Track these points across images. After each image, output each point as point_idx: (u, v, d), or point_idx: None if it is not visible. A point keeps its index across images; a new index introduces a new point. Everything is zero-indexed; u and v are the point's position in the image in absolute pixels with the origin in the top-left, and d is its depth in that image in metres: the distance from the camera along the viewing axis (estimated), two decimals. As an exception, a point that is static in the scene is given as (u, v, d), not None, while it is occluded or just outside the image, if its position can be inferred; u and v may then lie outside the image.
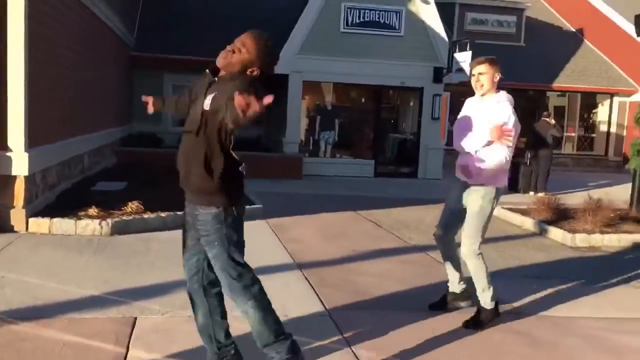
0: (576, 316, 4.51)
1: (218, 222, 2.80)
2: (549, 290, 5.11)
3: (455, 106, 16.21)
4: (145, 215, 6.62)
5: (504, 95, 4.11)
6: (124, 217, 6.47)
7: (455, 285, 4.36)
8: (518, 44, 19.11)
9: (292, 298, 4.50)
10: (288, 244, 6.30)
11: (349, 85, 14.78)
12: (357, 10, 13.74)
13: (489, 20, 18.94)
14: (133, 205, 6.78)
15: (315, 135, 14.79)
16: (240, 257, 2.86)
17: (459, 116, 4.31)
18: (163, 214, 6.70)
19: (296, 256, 5.79)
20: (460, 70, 13.76)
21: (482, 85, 4.08)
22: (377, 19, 13.87)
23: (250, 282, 2.87)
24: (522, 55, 18.39)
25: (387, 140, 15.36)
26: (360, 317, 4.16)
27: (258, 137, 15.21)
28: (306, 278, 5.05)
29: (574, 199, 9.42)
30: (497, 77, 4.08)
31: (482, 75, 4.06)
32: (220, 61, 2.83)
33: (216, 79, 2.88)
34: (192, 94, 3.02)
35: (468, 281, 4.29)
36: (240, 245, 2.90)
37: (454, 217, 4.24)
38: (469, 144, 4.07)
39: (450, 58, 14.04)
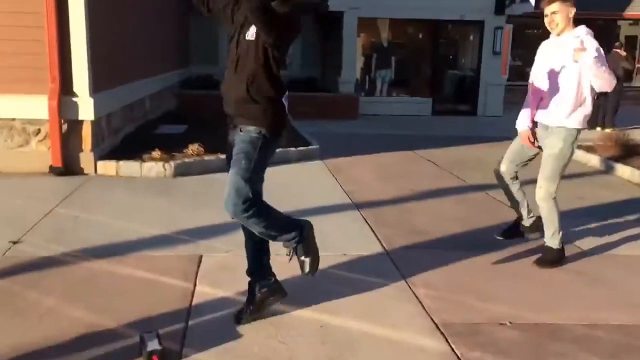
0: (642, 256, 4.40)
1: (252, 145, 2.83)
2: (615, 230, 4.98)
3: (518, 40, 15.49)
4: (206, 157, 6.79)
5: (583, 29, 3.86)
6: (186, 160, 6.66)
7: (524, 219, 4.26)
8: (589, -31, 17.88)
9: (350, 238, 4.57)
10: (346, 185, 6.34)
11: (406, 20, 14.33)
12: (415, -60, 13.14)
13: (556, -56, 17.72)
14: (194, 148, 6.95)
15: (372, 73, 14.55)
16: (255, 185, 2.83)
17: (536, 61, 4.10)
18: (222, 156, 6.80)
19: (354, 196, 5.83)
20: (524, 0, 13.07)
21: (557, 25, 3.87)
22: (435, -51, 13.25)
23: (251, 211, 2.83)
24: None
25: (446, 77, 14.95)
26: (419, 257, 4.19)
27: (314, 78, 15.11)
28: (364, 218, 5.10)
29: (644, 135, 8.99)
30: (572, 12, 3.84)
31: (556, 14, 3.84)
32: None
33: None
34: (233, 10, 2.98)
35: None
36: (261, 175, 2.91)
37: (522, 156, 4.14)
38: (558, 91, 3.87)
39: (514, -12, 13.34)
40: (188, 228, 4.64)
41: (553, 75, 3.91)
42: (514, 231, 4.34)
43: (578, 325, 3.22)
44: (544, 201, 4.00)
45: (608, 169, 7.60)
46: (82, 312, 3.16)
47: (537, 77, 4.06)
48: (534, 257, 4.15)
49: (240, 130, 2.88)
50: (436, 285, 3.69)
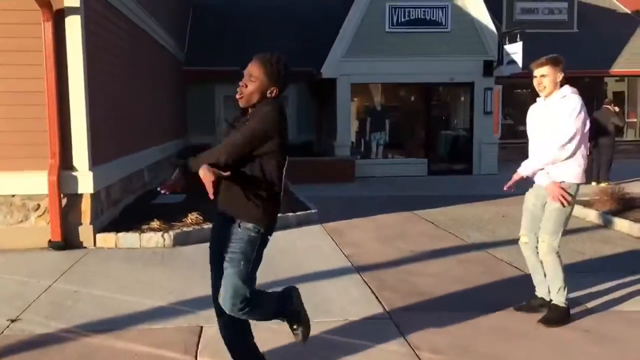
0: (649, 311, 4.35)
1: (251, 245, 2.84)
2: (618, 285, 4.94)
3: (508, 99, 15.83)
4: (205, 226, 6.78)
5: (567, 88, 4.01)
6: (185, 229, 6.66)
7: (543, 291, 4.25)
8: (571, 30, 18.51)
9: (352, 302, 4.52)
10: (345, 248, 6.33)
11: (397, 84, 14.70)
12: (402, 9, 13.67)
13: (538, 8, 18.41)
14: (192, 217, 6.97)
15: (367, 136, 14.78)
16: (252, 285, 2.85)
17: (527, 123, 4.25)
18: (222, 224, 6.85)
19: (354, 260, 5.81)
20: (512, 62, 13.46)
21: (545, 88, 4.01)
22: (422, 16, 13.76)
23: (247, 309, 2.85)
24: (575, 41, 17.79)
25: (439, 138, 15.18)
26: (422, 319, 4.14)
27: (310, 143, 15.34)
28: (365, 281, 5.07)
29: (638, 187, 9.06)
30: (560, 77, 4.00)
31: (545, 77, 3.99)
32: (241, 103, 2.86)
33: (250, 110, 2.88)
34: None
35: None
36: (257, 268, 2.91)
37: (536, 221, 4.17)
38: (542, 158, 3.98)
39: (501, 50, 13.76)
40: (188, 298, 4.59)
41: (543, 136, 4.01)
42: (531, 306, 4.30)
43: (588, 385, 3.15)
44: (548, 255, 4.02)
45: (606, 223, 7.61)
46: (81, 390, 3.09)
47: (531, 139, 4.18)
48: (539, 315, 4.10)
49: (239, 226, 2.86)
50: (441, 348, 3.63)
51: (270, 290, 3.09)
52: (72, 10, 6.08)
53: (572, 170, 3.98)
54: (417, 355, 3.53)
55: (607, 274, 5.26)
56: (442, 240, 6.83)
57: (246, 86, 2.82)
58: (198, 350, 3.60)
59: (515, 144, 16.92)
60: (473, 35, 13.86)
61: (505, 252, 6.05)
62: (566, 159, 3.93)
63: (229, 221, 2.90)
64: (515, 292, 4.73)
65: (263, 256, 2.98)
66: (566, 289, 4.04)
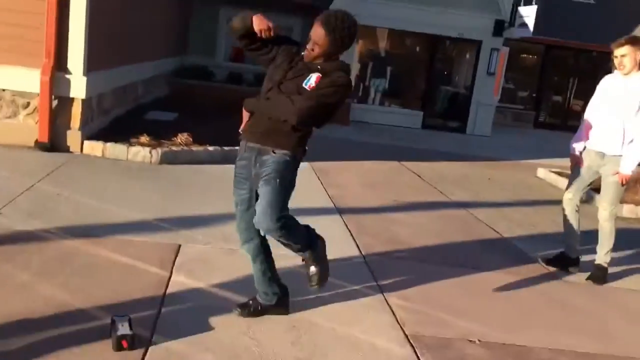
0: (615, 287, 4.48)
1: (285, 166, 2.92)
2: (590, 258, 5.05)
3: (513, 63, 15.65)
4: (194, 148, 6.77)
5: None
6: (174, 148, 6.64)
7: (573, 251, 4.62)
8: (590, 0, 18.13)
9: (330, 242, 4.56)
10: (330, 189, 6.37)
11: (405, 32, 14.40)
12: (421, -46, 13.24)
13: (559, -27, 17.94)
14: (182, 137, 6.93)
15: (366, 81, 14.61)
16: (286, 204, 2.93)
17: (599, 93, 4.48)
18: (211, 148, 6.84)
19: (337, 201, 5.86)
20: (523, 25, 13.21)
21: (625, 67, 4.22)
22: (440, -36, 13.36)
23: (286, 225, 2.90)
24: (594, 12, 17.42)
25: (439, 92, 15.05)
26: (396, 267, 4.23)
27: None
28: (345, 224, 5.13)
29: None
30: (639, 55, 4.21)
31: (625, 57, 4.20)
32: (306, 59, 3.03)
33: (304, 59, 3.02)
34: (276, 55, 3.13)
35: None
36: (290, 192, 2.99)
37: (585, 184, 4.54)
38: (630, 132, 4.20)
39: (514, 11, 13.48)
40: (169, 216, 4.63)
41: (615, 110, 4.27)
42: (559, 261, 4.66)
43: (545, 349, 3.28)
44: (608, 222, 4.41)
45: (588, 199, 7.66)
46: (56, 290, 3.15)
47: (598, 107, 4.44)
48: (508, 277, 4.21)
49: (273, 152, 2.93)
50: (410, 297, 3.72)
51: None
52: None
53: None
54: (386, 300, 3.63)
55: (589, 248, 5.37)
56: (426, 194, 6.89)
57: (312, 50, 2.97)
58: (174, 267, 3.66)
59: (512, 109, 16.91)
60: (489, -9, 13.54)
61: (486, 214, 6.14)
62: None
63: (259, 151, 2.97)
64: (490, 252, 4.84)
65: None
66: (611, 252, 4.46)
